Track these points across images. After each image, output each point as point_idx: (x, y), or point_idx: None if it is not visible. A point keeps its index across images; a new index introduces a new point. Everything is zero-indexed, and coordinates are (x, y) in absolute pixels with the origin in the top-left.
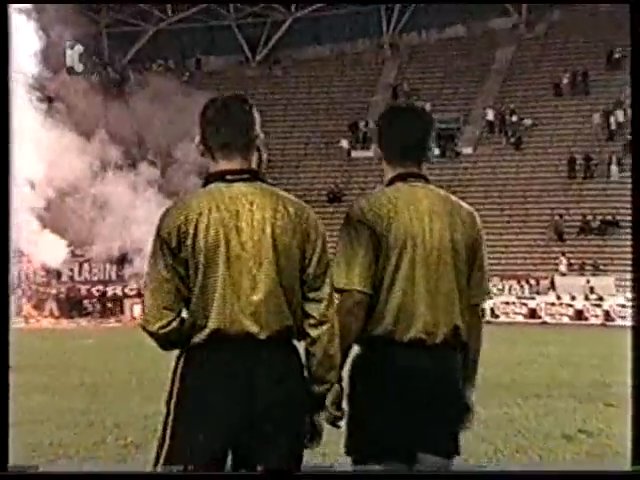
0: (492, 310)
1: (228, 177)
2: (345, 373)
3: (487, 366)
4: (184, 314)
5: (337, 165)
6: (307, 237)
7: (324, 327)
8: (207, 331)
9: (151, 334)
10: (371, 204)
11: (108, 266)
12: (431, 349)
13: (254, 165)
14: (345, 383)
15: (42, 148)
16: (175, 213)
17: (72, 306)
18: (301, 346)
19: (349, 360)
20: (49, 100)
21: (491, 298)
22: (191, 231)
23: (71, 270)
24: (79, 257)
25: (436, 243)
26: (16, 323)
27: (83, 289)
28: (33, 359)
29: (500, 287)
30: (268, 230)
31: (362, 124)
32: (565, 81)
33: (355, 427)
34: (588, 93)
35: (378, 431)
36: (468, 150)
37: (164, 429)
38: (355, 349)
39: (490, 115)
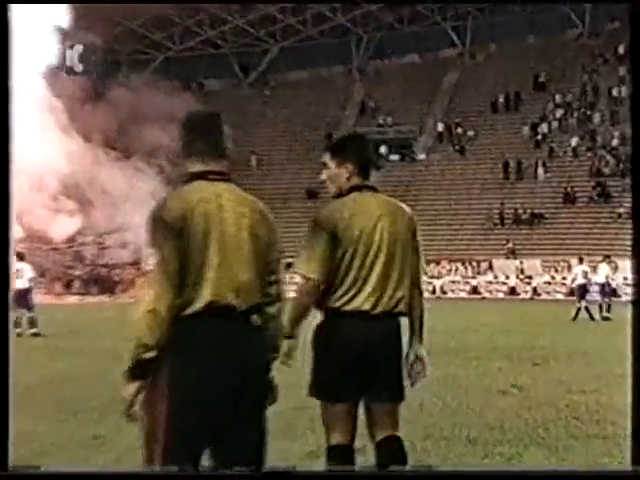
0: (442, 287)
1: (210, 177)
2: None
3: (436, 333)
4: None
5: (314, 168)
6: (271, 230)
7: (279, 305)
8: (201, 303)
9: (152, 311)
10: (331, 211)
11: (120, 250)
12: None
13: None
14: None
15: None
16: (174, 204)
17: (93, 285)
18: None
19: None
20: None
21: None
22: (187, 219)
23: (92, 255)
24: (98, 244)
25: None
26: (47, 300)
27: (103, 271)
28: (63, 328)
29: (448, 268)
30: (246, 222)
31: (335, 135)
32: (500, 100)
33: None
34: (518, 110)
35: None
36: (422, 156)
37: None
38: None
39: (440, 127)
